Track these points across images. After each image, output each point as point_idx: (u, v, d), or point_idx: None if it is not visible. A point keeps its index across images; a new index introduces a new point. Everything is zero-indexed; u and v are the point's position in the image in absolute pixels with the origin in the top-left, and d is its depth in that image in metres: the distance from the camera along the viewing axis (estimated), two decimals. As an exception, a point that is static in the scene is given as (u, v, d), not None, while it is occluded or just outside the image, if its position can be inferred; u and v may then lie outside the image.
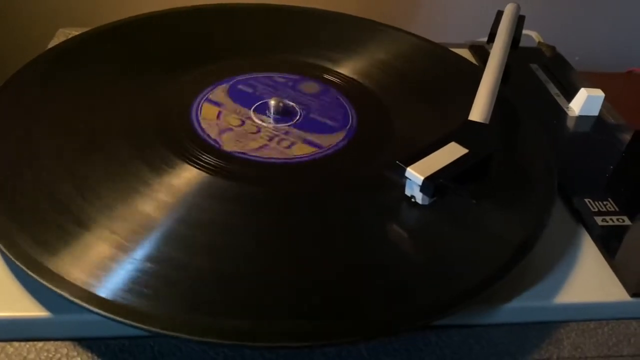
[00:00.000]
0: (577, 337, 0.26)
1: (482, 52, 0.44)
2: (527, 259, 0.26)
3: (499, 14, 0.42)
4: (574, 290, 0.27)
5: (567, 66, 0.44)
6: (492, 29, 0.41)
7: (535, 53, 0.45)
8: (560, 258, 0.29)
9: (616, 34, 0.63)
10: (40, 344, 0.24)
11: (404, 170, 0.27)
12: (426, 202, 0.27)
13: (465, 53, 0.44)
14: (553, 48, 0.45)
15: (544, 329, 0.26)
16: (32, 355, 0.23)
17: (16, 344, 0.24)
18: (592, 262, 0.28)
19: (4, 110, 0.31)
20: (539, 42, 0.46)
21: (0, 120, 0.30)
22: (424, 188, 0.27)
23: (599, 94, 0.38)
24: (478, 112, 0.31)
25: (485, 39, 0.43)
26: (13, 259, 0.23)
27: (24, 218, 0.25)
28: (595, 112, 0.38)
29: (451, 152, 0.28)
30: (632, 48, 0.63)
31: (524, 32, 0.43)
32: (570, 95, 0.40)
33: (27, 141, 0.29)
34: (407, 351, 0.25)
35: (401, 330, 0.24)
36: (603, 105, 0.39)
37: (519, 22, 0.41)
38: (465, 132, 0.29)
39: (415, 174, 0.27)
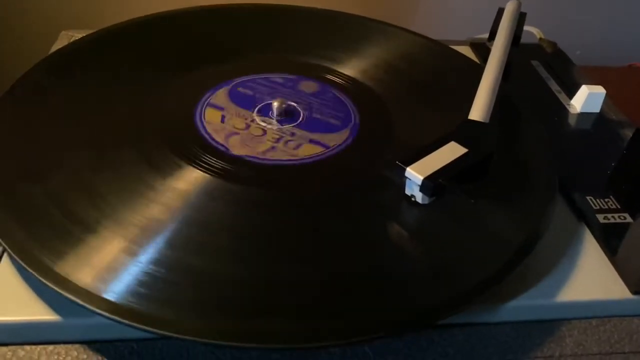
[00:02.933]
0: (579, 334, 0.27)
1: (483, 50, 0.44)
2: (529, 257, 0.27)
3: (500, 11, 0.42)
4: (576, 288, 0.27)
5: (569, 62, 0.44)
6: (493, 26, 0.41)
7: (537, 49, 0.45)
8: (562, 256, 0.29)
9: (617, 28, 0.63)
10: (50, 347, 0.24)
11: (404, 170, 0.27)
12: (426, 202, 0.28)
13: (466, 50, 0.44)
14: (554, 44, 0.45)
15: (546, 326, 0.27)
16: (43, 358, 0.24)
17: (27, 347, 0.24)
18: (594, 260, 0.29)
19: (9, 116, 0.31)
20: (540, 39, 0.46)
21: (7, 126, 0.31)
22: (423, 188, 0.27)
23: (600, 90, 0.38)
24: (478, 111, 0.31)
25: (486, 35, 0.43)
26: (23, 264, 0.24)
27: (33, 224, 0.25)
28: (596, 109, 0.39)
29: (451, 151, 0.28)
30: (633, 42, 0.63)
31: (525, 28, 0.43)
32: (571, 92, 0.40)
33: (34, 147, 0.29)
34: (411, 350, 0.25)
35: (406, 330, 0.25)
36: (604, 102, 0.39)
37: (520, 19, 0.41)
38: (465, 132, 0.30)
39: (415, 174, 0.27)
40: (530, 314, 0.27)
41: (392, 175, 0.29)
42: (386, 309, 0.24)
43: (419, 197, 0.28)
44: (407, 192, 0.28)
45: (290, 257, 0.26)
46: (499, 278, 0.26)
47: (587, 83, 0.39)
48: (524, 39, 0.42)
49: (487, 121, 0.31)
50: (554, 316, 0.27)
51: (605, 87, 0.39)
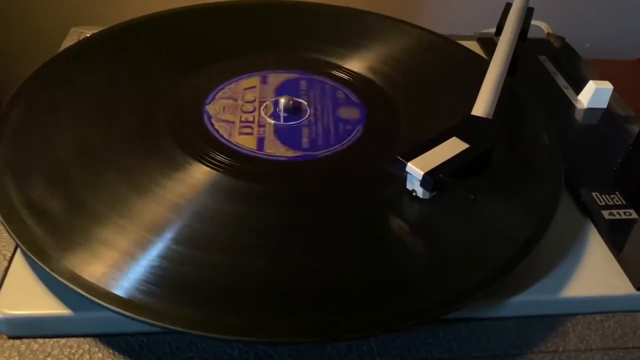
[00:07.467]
0: (583, 329, 0.27)
1: (490, 44, 0.44)
2: (533, 252, 0.27)
3: (508, 6, 0.42)
4: (581, 283, 0.27)
5: (576, 57, 0.44)
6: (500, 21, 0.41)
7: (544, 44, 0.45)
8: (567, 251, 0.29)
9: (626, 22, 0.62)
10: (63, 340, 0.25)
11: (405, 165, 0.28)
12: (427, 197, 0.28)
13: (473, 45, 0.44)
14: (562, 39, 0.45)
15: (550, 321, 0.27)
16: (55, 351, 0.24)
17: (40, 340, 0.25)
18: (599, 256, 0.29)
19: (20, 113, 0.32)
20: (548, 33, 0.46)
21: (17, 123, 0.31)
22: (423, 183, 0.27)
23: (607, 86, 0.38)
24: (481, 106, 0.31)
25: (494, 30, 0.43)
26: (36, 260, 0.24)
27: (44, 221, 0.26)
28: (603, 104, 0.38)
29: (452, 147, 0.28)
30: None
31: (533, 22, 0.43)
32: (578, 87, 0.40)
33: (44, 143, 0.30)
34: (416, 344, 0.26)
35: (410, 325, 0.25)
36: (612, 97, 0.39)
37: (528, 13, 0.41)
38: (467, 127, 0.30)
39: (416, 169, 0.27)
40: (534, 309, 0.27)
41: (397, 171, 0.29)
42: (390, 303, 0.24)
43: (419, 192, 0.28)
44: (408, 187, 0.28)
45: (295, 252, 0.26)
46: (503, 273, 0.26)
47: (595, 78, 0.39)
48: (531, 34, 0.42)
49: (490, 117, 0.31)
50: (558, 311, 0.27)
51: (613, 81, 0.39)
